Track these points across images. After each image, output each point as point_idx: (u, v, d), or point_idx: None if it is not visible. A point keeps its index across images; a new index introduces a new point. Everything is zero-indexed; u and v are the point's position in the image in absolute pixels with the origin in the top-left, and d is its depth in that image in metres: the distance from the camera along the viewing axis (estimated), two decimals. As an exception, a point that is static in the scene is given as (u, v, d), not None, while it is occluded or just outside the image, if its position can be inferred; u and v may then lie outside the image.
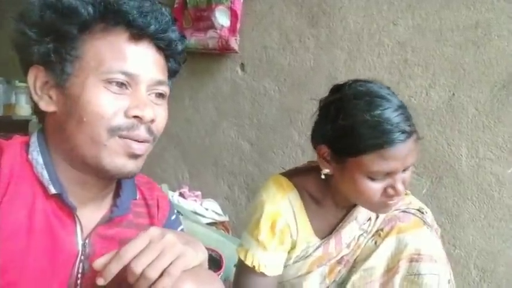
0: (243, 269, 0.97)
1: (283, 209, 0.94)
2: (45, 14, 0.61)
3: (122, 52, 0.62)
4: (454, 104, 1.41)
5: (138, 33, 0.63)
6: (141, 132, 0.63)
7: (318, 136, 0.90)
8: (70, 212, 0.65)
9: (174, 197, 1.82)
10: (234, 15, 1.82)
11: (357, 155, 0.82)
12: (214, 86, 1.98)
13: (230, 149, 1.94)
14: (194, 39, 1.90)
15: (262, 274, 0.94)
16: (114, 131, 0.62)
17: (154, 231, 0.57)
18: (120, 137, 0.62)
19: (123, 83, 0.62)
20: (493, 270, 1.37)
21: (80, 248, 0.66)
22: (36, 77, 0.64)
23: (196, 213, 1.78)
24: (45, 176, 0.64)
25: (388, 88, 0.88)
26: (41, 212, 0.63)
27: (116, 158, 0.63)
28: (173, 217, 0.81)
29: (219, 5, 1.83)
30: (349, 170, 0.84)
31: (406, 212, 0.99)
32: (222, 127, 1.96)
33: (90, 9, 0.61)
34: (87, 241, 0.67)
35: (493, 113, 1.35)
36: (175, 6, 1.96)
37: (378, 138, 0.79)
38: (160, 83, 0.66)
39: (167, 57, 0.69)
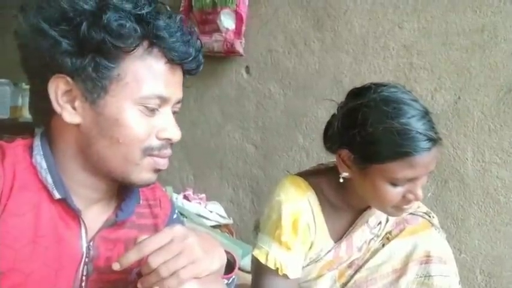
0: (263, 273, 0.93)
1: (303, 209, 0.93)
2: (91, 31, 0.58)
3: (160, 77, 0.63)
4: (459, 107, 1.41)
5: (177, 60, 0.64)
6: (168, 150, 0.67)
7: (340, 140, 0.88)
8: (75, 215, 0.66)
9: (179, 199, 1.83)
10: (239, 18, 1.83)
11: (382, 162, 0.82)
12: (219, 89, 1.98)
13: (235, 152, 1.95)
14: (199, 42, 1.90)
15: (285, 277, 0.91)
16: (146, 151, 0.64)
17: (178, 230, 0.58)
18: (151, 155, 0.65)
19: (157, 108, 0.64)
20: (499, 275, 1.35)
21: (84, 250, 0.66)
22: (57, 85, 0.61)
23: (200, 215, 1.78)
24: (49, 180, 0.64)
25: (410, 92, 0.88)
26: (47, 215, 0.64)
27: (144, 174, 0.66)
28: (174, 216, 0.81)
29: (225, 8, 1.84)
30: (371, 175, 0.84)
31: (414, 214, 0.99)
32: (226, 130, 1.97)
33: (139, 33, 0.60)
34: (91, 244, 0.67)
35: (499, 117, 1.35)
36: (181, 9, 1.97)
37: (406, 146, 0.80)
38: (180, 101, 0.69)
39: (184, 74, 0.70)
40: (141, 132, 0.63)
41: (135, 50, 0.61)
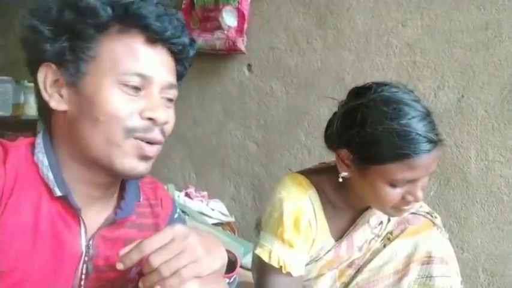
0: (266, 271, 0.93)
1: (305, 207, 0.92)
2: (63, 12, 0.62)
3: (137, 54, 0.63)
4: (463, 106, 1.40)
5: (154, 37, 0.64)
6: (156, 134, 0.64)
7: (339, 140, 0.87)
8: (75, 213, 0.66)
9: (180, 197, 1.83)
10: (241, 15, 1.82)
11: (381, 163, 0.81)
12: (221, 87, 1.98)
13: (236, 150, 1.94)
14: (201, 40, 1.90)
15: (289, 274, 0.91)
16: (130, 132, 0.62)
17: (179, 229, 0.58)
18: (135, 138, 0.63)
19: (138, 86, 0.63)
20: (502, 274, 1.35)
21: (83, 249, 0.66)
22: (46, 74, 0.64)
23: (202, 213, 1.78)
24: (50, 178, 0.64)
25: (412, 92, 0.87)
26: (46, 213, 0.64)
27: (128, 159, 0.63)
28: (176, 215, 0.81)
29: (226, 6, 1.83)
30: (370, 176, 0.84)
31: (416, 214, 0.99)
32: (228, 127, 1.96)
33: (109, 10, 0.62)
34: (90, 242, 0.67)
35: (502, 115, 1.34)
36: (183, 6, 1.97)
37: (406, 148, 0.79)
38: (171, 86, 0.67)
39: (177, 61, 0.70)
40: (120, 109, 0.62)
41: (109, 29, 0.63)
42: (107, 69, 0.62)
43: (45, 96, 0.64)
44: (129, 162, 0.63)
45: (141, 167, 0.65)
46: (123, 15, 0.62)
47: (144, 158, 0.64)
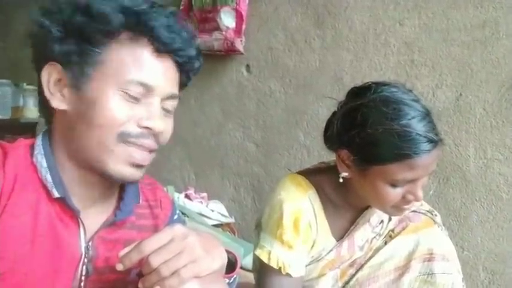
0: (266, 272, 0.93)
1: (304, 207, 0.92)
2: (75, 15, 0.62)
3: (143, 63, 0.64)
4: (461, 104, 1.40)
5: (161, 48, 0.64)
6: (150, 142, 0.65)
7: (339, 141, 0.87)
8: (74, 214, 0.66)
9: (180, 198, 1.83)
10: (239, 16, 1.82)
11: (382, 164, 0.81)
12: (219, 88, 1.98)
13: (236, 151, 1.94)
14: (199, 41, 1.90)
15: (288, 275, 0.91)
16: (123, 137, 0.63)
17: (179, 229, 0.58)
18: (127, 143, 0.63)
19: (138, 96, 0.63)
20: (502, 272, 1.35)
21: (83, 250, 0.66)
22: (50, 74, 0.64)
23: (202, 214, 1.78)
24: (48, 179, 0.64)
25: (411, 91, 0.87)
26: (45, 215, 0.64)
27: (120, 166, 0.64)
28: (175, 217, 0.81)
29: (224, 6, 1.84)
30: (371, 176, 0.84)
31: (417, 212, 0.99)
32: (227, 128, 1.96)
33: (121, 18, 0.62)
34: (90, 244, 0.67)
35: (500, 113, 1.34)
36: (181, 7, 1.97)
37: (406, 148, 0.79)
38: (173, 96, 0.68)
39: (181, 71, 0.70)
40: (118, 114, 0.62)
41: (119, 36, 0.63)
42: (111, 76, 0.62)
43: (48, 94, 0.65)
44: (121, 168, 0.64)
45: (133, 173, 0.65)
46: (134, 23, 0.63)
47: (136, 166, 0.65)
